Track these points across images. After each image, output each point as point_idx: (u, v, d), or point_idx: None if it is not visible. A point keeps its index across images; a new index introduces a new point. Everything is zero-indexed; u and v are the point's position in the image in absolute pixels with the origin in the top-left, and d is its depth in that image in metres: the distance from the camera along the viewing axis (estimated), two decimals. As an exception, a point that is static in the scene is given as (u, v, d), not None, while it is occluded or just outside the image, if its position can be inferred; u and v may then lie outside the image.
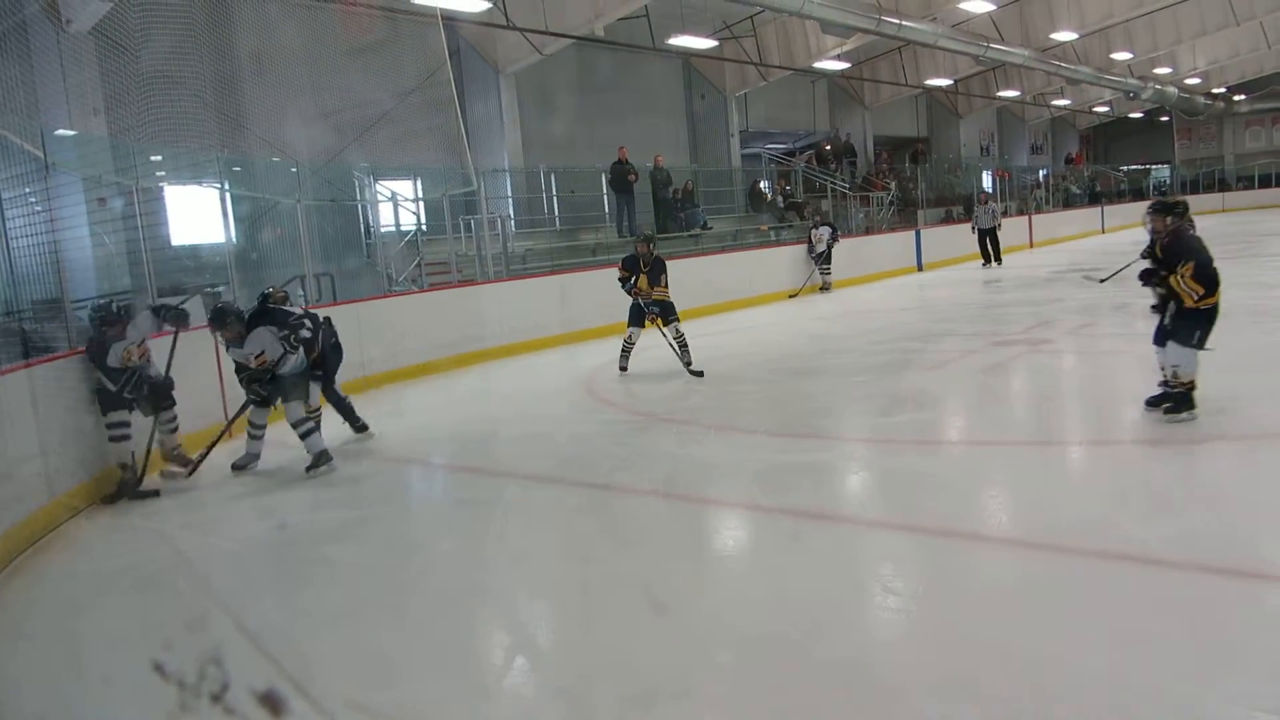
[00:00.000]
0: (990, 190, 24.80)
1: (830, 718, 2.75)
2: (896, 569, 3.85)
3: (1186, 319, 5.47)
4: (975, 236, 18.64)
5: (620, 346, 8.82)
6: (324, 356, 6.69)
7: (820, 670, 3.00)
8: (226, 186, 9.40)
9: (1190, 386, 5.51)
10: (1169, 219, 5.71)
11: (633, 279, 8.61)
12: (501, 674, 3.26)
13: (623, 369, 8.77)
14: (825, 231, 15.36)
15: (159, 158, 9.31)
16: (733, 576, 3.94)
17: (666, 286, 8.62)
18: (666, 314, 8.53)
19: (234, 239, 9.36)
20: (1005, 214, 23.65)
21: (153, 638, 3.65)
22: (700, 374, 8.27)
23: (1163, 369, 5.68)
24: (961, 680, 2.87)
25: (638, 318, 8.66)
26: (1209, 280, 5.38)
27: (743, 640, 3.27)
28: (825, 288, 15.37)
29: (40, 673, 3.55)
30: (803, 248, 15.63)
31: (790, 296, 14.73)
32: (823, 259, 15.36)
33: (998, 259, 18.33)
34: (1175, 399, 5.56)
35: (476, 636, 3.58)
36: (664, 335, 8.51)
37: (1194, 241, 5.63)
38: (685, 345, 8.51)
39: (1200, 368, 5.45)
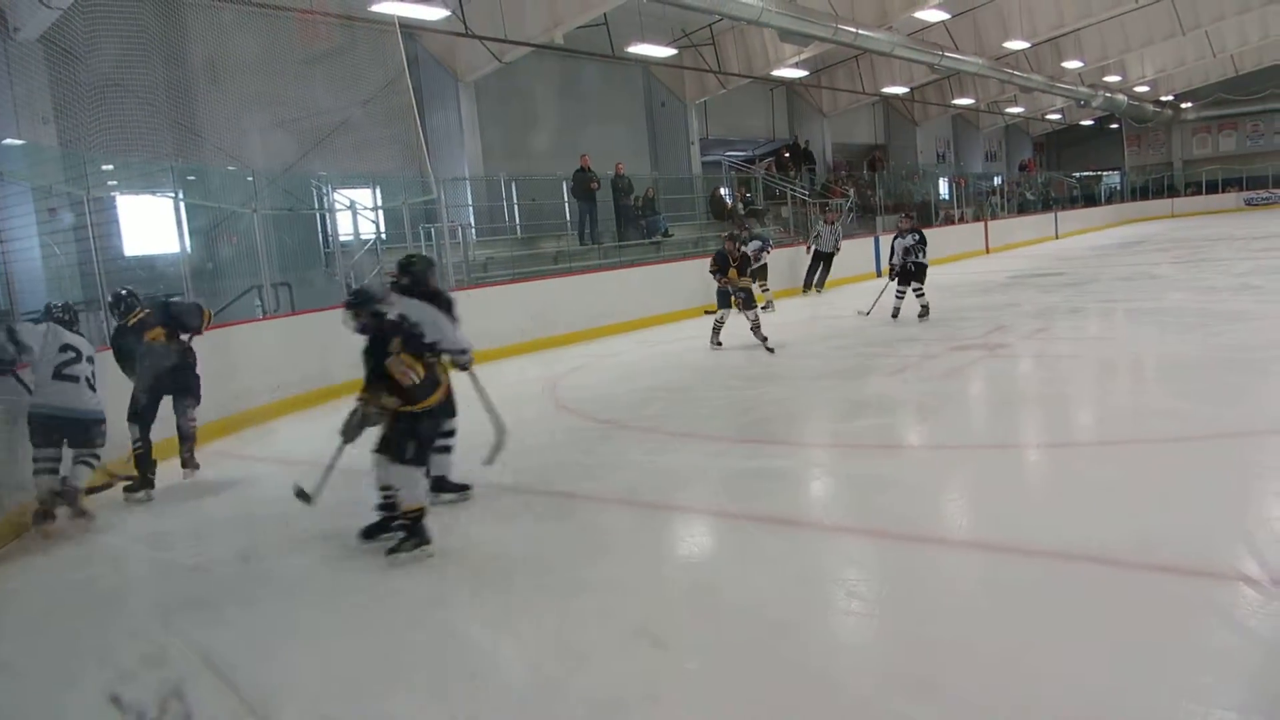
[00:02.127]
0: (845, 203, 20.93)
1: (798, 723, 2.76)
2: (860, 573, 3.88)
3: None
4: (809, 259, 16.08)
5: (711, 325, 10.50)
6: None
7: (787, 675, 3.01)
8: (181, 196, 9.25)
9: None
10: None
11: (724, 271, 10.15)
12: (467, 685, 3.22)
13: (717, 344, 10.31)
14: (754, 245, 13.40)
15: (111, 167, 9.15)
16: (698, 583, 3.93)
17: (751, 277, 10.52)
18: (748, 300, 10.07)
19: (189, 249, 9.21)
20: (963, 219, 24.00)
21: (106, 666, 3.55)
22: (773, 350, 9.70)
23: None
24: (927, 682, 2.89)
25: (725, 300, 10.28)
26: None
27: (709, 646, 3.27)
28: (764, 306, 13.09)
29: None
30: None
31: (706, 313, 12.16)
32: (758, 275, 13.11)
33: (819, 286, 15.93)
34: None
35: (440, 649, 3.54)
36: (745, 317, 10.00)
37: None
38: (759, 327, 9.93)
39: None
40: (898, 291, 11.41)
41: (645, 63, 18.76)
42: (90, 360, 5.52)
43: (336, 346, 9.02)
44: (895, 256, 11.29)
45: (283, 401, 8.31)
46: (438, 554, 4.49)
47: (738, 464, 5.70)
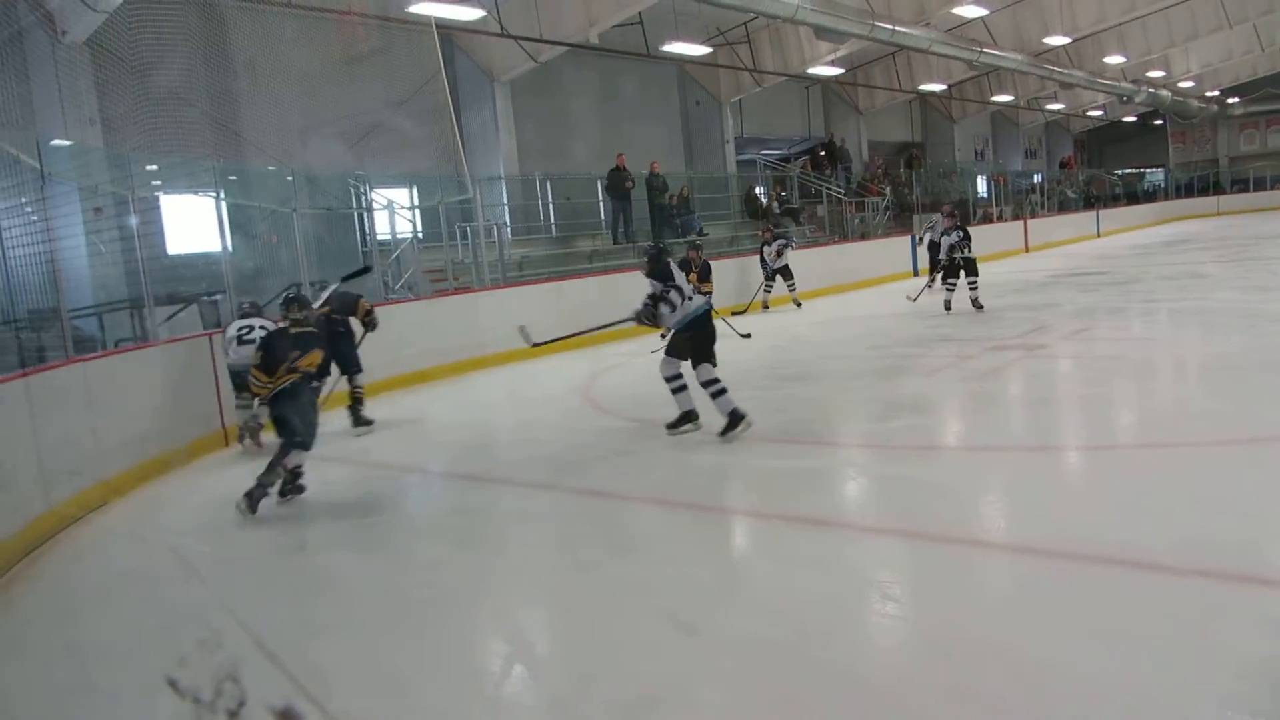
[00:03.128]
0: (883, 201, 20.77)
1: (829, 724, 2.75)
2: (894, 574, 3.85)
3: None
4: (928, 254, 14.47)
5: None
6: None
7: (820, 677, 3.00)
8: (222, 195, 9.40)
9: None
10: None
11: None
12: (498, 682, 3.25)
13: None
14: (778, 245, 13.87)
15: (155, 167, 9.32)
16: (731, 583, 3.93)
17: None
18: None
19: (230, 248, 9.35)
20: (1001, 218, 23.69)
21: (162, 649, 3.63)
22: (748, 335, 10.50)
23: None
24: (961, 687, 2.87)
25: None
26: None
27: (742, 646, 3.26)
28: (795, 305, 14.15)
29: (45, 685, 3.54)
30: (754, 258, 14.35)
31: (733, 314, 12.56)
32: (783, 274, 14.00)
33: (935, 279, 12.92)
34: None
35: (475, 645, 3.57)
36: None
37: None
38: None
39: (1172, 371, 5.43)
40: (946, 285, 11.83)
41: (680, 61, 18.75)
42: (264, 329, 6.80)
43: (371, 345, 9.17)
44: (941, 253, 11.88)
45: (322, 397, 8.41)
46: (469, 552, 4.54)
47: (771, 464, 5.69)
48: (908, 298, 12.95)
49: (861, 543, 4.27)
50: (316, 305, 7.06)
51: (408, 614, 3.81)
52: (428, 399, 8.87)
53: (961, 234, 11.77)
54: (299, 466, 5.52)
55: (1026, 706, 2.72)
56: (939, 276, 12.10)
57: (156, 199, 9.93)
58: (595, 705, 2.96)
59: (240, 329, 7.11)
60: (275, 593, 4.23)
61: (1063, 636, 3.10)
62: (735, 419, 6.06)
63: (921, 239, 16.62)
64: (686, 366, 6.26)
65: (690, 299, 6.25)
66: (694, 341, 6.23)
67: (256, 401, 6.23)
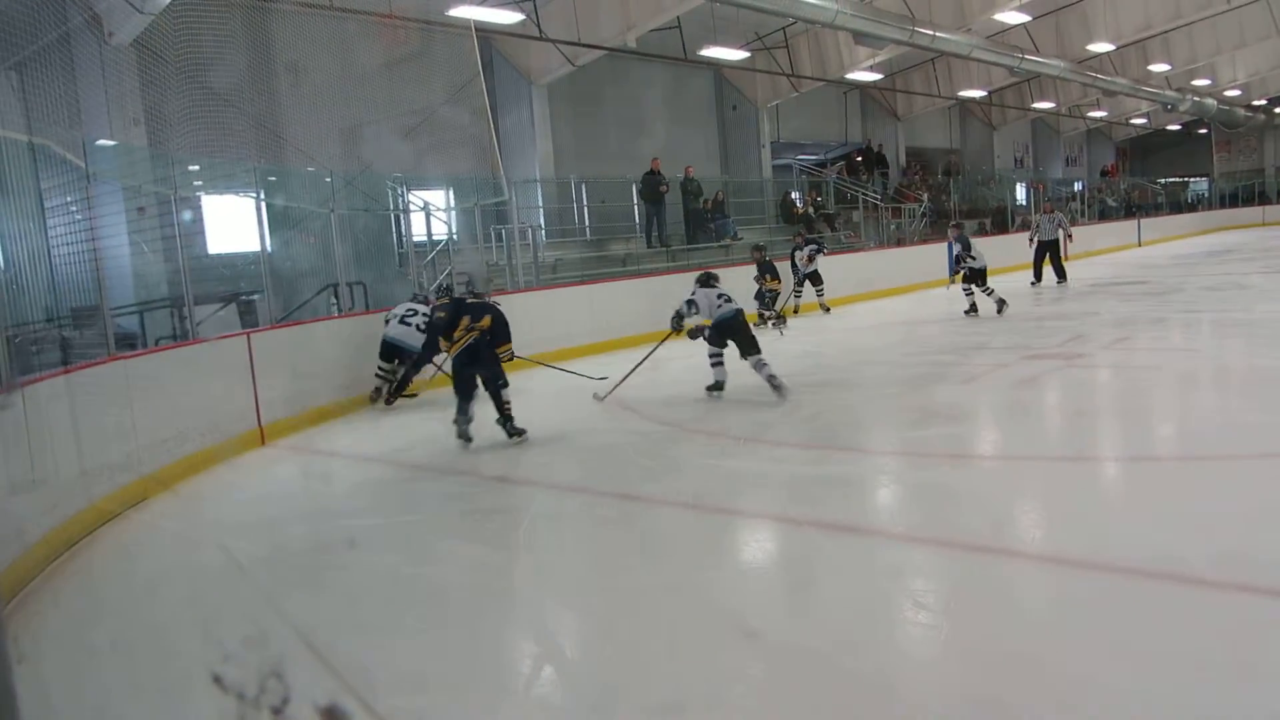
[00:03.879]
0: (1057, 197, 23.82)
1: (860, 734, 2.72)
2: (927, 584, 3.81)
3: None
4: (1032, 250, 16.36)
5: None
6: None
7: (850, 685, 2.97)
8: (262, 196, 9.53)
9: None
10: None
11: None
12: (527, 684, 3.25)
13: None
14: (809, 250, 13.89)
15: (196, 167, 9.47)
16: (761, 588, 3.91)
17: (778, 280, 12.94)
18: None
19: (269, 247, 9.47)
20: (1004, 229, 23.40)
21: (208, 645, 3.67)
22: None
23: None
24: (994, 699, 2.82)
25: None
26: None
27: (772, 652, 3.24)
28: (823, 309, 14.15)
29: (85, 681, 3.59)
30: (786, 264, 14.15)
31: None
32: (812, 280, 14.08)
33: (1060, 275, 16.13)
34: None
35: (505, 646, 3.58)
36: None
37: None
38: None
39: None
40: (965, 290, 12.49)
41: (717, 66, 18.73)
42: (425, 315, 8.44)
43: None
44: (957, 262, 12.75)
45: (354, 399, 8.50)
46: (500, 553, 4.55)
47: (803, 470, 5.65)
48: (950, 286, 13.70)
49: (894, 550, 4.22)
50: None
51: (444, 614, 3.83)
52: (439, 408, 8.90)
53: (962, 245, 12.54)
54: (509, 406, 6.87)
55: (1062, 721, 2.67)
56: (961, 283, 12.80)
57: (198, 199, 10.08)
58: (625, 709, 2.95)
59: (406, 310, 8.66)
60: (317, 590, 4.26)
61: (1099, 650, 3.04)
62: (773, 384, 7.59)
63: (1031, 239, 16.66)
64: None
65: (720, 308, 7.91)
66: (724, 334, 7.86)
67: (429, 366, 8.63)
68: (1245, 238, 27.42)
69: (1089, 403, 7.31)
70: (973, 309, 12.29)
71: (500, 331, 6.95)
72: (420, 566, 4.45)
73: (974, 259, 12.39)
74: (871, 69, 19.92)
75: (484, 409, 6.99)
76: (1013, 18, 18.51)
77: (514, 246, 12.21)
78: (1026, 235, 16.97)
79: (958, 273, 12.77)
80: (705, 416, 7.47)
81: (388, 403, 8.58)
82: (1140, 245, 26.12)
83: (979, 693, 2.87)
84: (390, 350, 8.56)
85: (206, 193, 10.32)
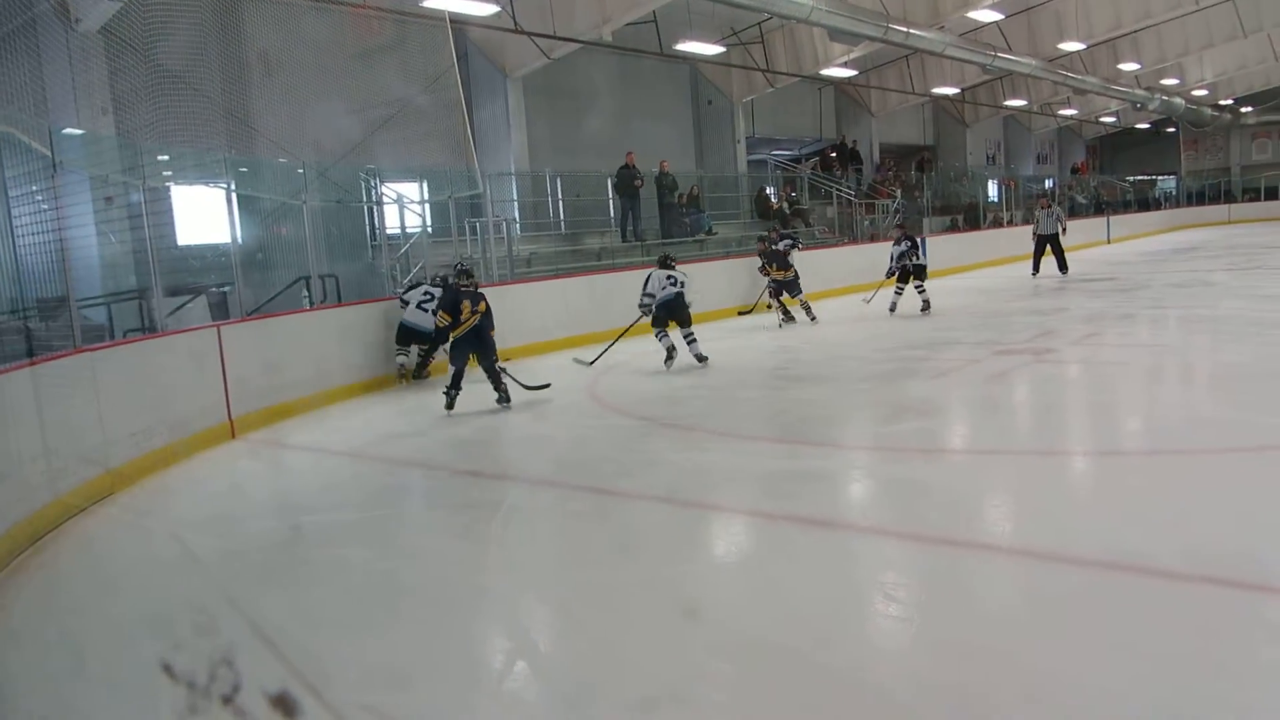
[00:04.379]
0: (1049, 192, 24.50)
1: (831, 726, 2.74)
2: (899, 577, 3.84)
3: None
4: (1034, 243, 17.17)
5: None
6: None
7: (822, 678, 2.99)
8: (233, 186, 9.42)
9: None
10: None
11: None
12: (500, 679, 3.25)
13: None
14: (785, 244, 13.15)
15: (166, 157, 9.34)
16: (735, 583, 3.93)
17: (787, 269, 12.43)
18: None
19: (240, 239, 9.37)
20: (1010, 222, 23.68)
21: (159, 636, 3.64)
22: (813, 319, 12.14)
23: None
24: (965, 692, 2.86)
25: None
26: None
27: (745, 647, 3.26)
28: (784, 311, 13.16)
29: (43, 673, 3.55)
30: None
31: (740, 314, 13.70)
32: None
33: (1063, 267, 16.86)
34: None
35: (478, 641, 3.57)
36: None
37: None
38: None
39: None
40: (896, 289, 12.70)
41: (693, 60, 18.73)
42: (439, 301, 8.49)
43: (381, 338, 9.19)
44: (893, 261, 12.72)
45: (326, 392, 8.43)
46: (474, 548, 4.54)
47: (776, 464, 5.68)
48: (864, 300, 13.58)
49: (866, 544, 4.26)
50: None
51: (412, 608, 3.81)
52: (434, 393, 8.87)
53: (909, 243, 12.61)
54: (501, 376, 7.73)
55: (1031, 712, 2.71)
56: (895, 281, 12.83)
57: (167, 189, 9.95)
58: (599, 704, 2.95)
59: (424, 294, 9.11)
60: (278, 583, 4.23)
61: (1068, 642, 3.09)
62: (698, 358, 9.02)
63: (1034, 234, 17.29)
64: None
65: (664, 289, 9.46)
66: (666, 312, 9.37)
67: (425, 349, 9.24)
68: (1211, 235, 27.84)
69: (1058, 398, 7.40)
70: (894, 308, 12.43)
71: (490, 317, 7.84)
72: (391, 561, 4.43)
73: (918, 258, 12.53)
74: (846, 65, 20.00)
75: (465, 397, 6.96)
76: (986, 16, 18.66)
77: (488, 240, 12.16)
78: (999, 231, 17.96)
79: (892, 274, 12.68)
80: (679, 411, 7.49)
81: (416, 377, 9.31)
82: (1109, 242, 26.44)
83: (948, 685, 2.89)
84: (408, 334, 9.16)
85: (176, 183, 10.18)
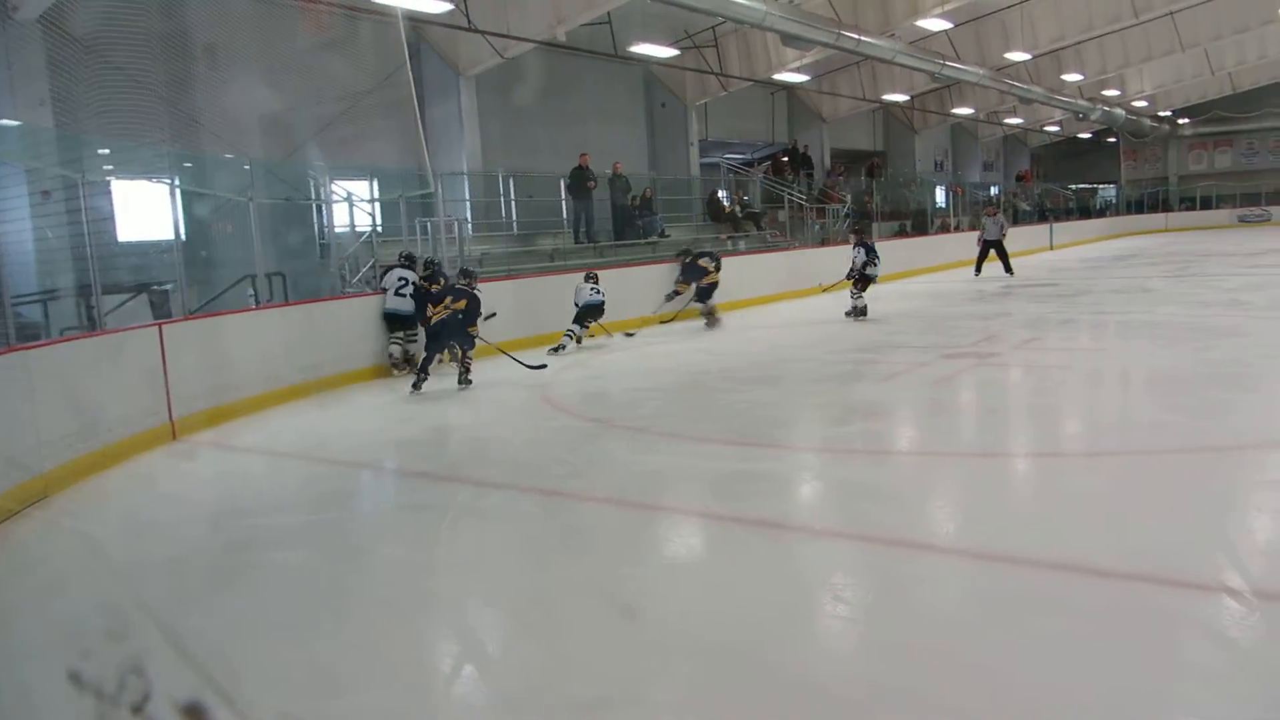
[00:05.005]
0: (996, 199, 25.40)
1: (779, 726, 2.76)
2: (847, 578, 3.88)
3: None
4: (979, 247, 18.40)
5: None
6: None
7: (771, 679, 3.01)
8: (176, 182, 9.22)
9: None
10: None
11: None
12: (450, 682, 3.22)
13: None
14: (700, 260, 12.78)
15: (107, 151, 9.11)
16: (684, 584, 3.94)
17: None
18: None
19: (183, 236, 9.17)
20: (957, 228, 24.11)
21: (70, 646, 3.53)
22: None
23: None
24: (910, 691, 2.90)
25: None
26: None
27: (695, 648, 3.27)
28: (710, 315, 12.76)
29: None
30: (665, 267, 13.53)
31: (661, 322, 12.79)
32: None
33: (1008, 269, 17.85)
34: None
35: (424, 645, 3.53)
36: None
37: None
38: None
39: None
40: (853, 292, 12.39)
41: (647, 62, 18.75)
42: (415, 285, 9.37)
43: (328, 338, 9.06)
44: (854, 268, 12.41)
45: (273, 392, 8.28)
46: (422, 550, 4.49)
47: (727, 466, 5.71)
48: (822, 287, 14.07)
49: (815, 546, 4.30)
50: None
51: (357, 612, 3.76)
52: (383, 395, 8.78)
53: (864, 249, 12.37)
54: (470, 363, 8.73)
55: (975, 710, 2.75)
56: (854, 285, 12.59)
57: (108, 184, 9.71)
58: (548, 706, 2.94)
59: (399, 280, 9.52)
60: (217, 589, 4.14)
61: (1011, 641, 3.15)
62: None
63: (979, 239, 18.66)
64: None
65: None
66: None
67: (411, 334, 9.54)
68: (1149, 243, 28.59)
69: (1001, 401, 7.54)
70: (862, 312, 12.16)
71: (472, 313, 8.65)
72: (336, 565, 4.36)
73: (874, 266, 12.29)
74: (798, 70, 20.19)
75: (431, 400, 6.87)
76: (935, 25, 18.97)
77: (440, 240, 12.05)
78: (949, 236, 18.98)
79: (850, 278, 12.42)
80: (629, 412, 7.49)
81: (399, 367, 9.61)
82: (1052, 248, 27.01)
83: (895, 685, 2.93)
84: (394, 320, 9.56)
85: (117, 178, 9.94)
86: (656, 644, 3.32)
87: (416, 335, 9.53)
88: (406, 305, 9.44)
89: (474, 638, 3.58)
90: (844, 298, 12.52)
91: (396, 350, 9.56)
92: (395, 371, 9.51)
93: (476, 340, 8.80)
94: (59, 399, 5.94)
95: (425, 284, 9.31)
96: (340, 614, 3.75)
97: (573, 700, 2.95)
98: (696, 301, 12.60)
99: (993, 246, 18.21)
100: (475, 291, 8.85)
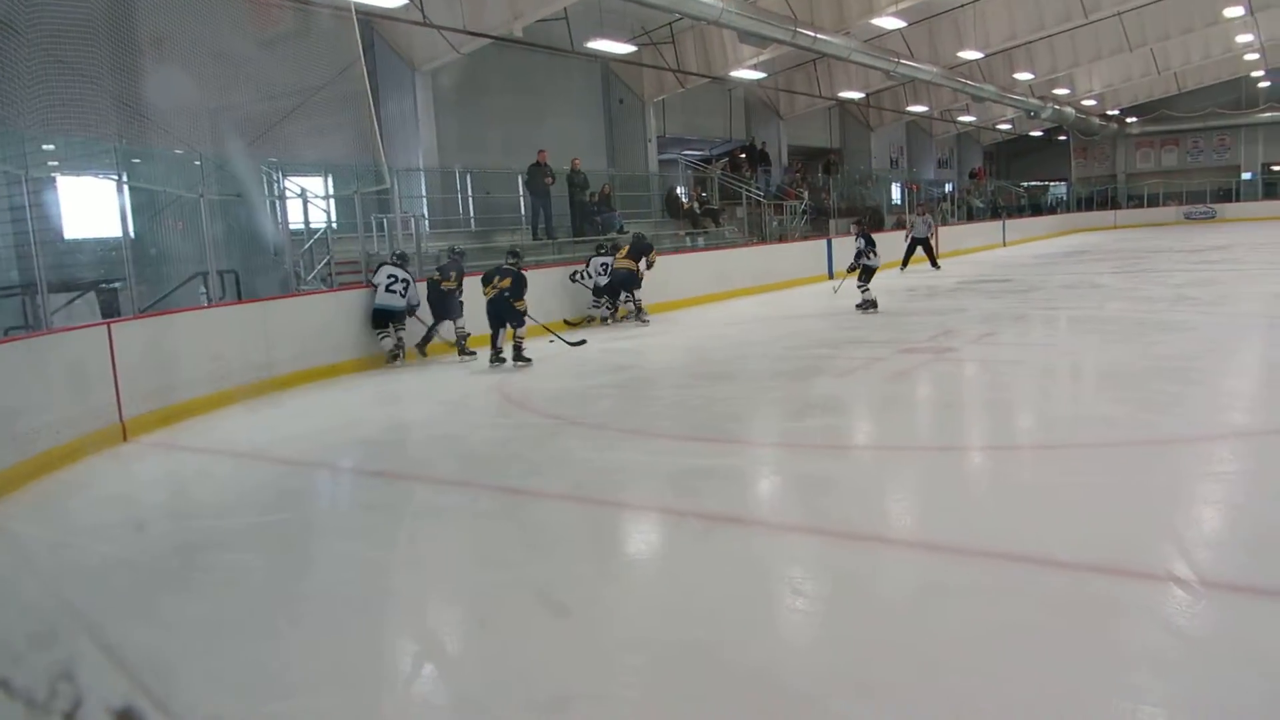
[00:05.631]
0: (930, 201, 26.39)
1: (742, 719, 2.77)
2: (805, 571, 3.91)
3: None
4: (906, 244, 19.71)
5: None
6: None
7: (731, 673, 3.02)
8: (124, 178, 9.01)
9: None
10: None
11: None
12: (408, 683, 3.19)
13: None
14: (599, 261, 12.73)
15: (51, 146, 8.88)
16: (644, 580, 3.94)
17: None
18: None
19: (132, 233, 8.97)
20: (879, 229, 24.42)
21: (3, 653, 3.44)
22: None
23: None
24: (867, 682, 2.92)
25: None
26: None
27: (655, 643, 3.27)
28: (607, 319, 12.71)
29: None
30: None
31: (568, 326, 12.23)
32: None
33: (934, 264, 19.41)
34: None
35: (380, 645, 3.49)
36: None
37: None
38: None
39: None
40: (860, 285, 12.55)
41: (604, 59, 18.71)
42: (405, 282, 9.86)
43: (281, 336, 8.92)
44: (856, 258, 12.66)
45: (225, 392, 8.15)
46: (379, 550, 4.44)
47: (686, 462, 5.72)
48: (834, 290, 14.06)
49: (774, 540, 4.32)
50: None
51: (311, 614, 3.71)
52: (339, 393, 8.67)
53: (865, 241, 12.59)
54: (521, 341, 9.39)
55: (932, 701, 2.79)
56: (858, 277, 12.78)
57: (53, 180, 9.47)
58: (510, 705, 2.92)
59: (388, 278, 9.81)
60: (151, 592, 4.04)
61: (967, 632, 3.19)
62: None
63: (907, 235, 20.01)
64: None
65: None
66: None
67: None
68: (1099, 239, 29.18)
69: (957, 395, 7.65)
70: (872, 304, 12.26)
71: (516, 290, 9.32)
72: (291, 566, 4.30)
73: (873, 258, 12.49)
74: (755, 68, 20.27)
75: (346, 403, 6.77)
76: (889, 23, 19.15)
77: (396, 236, 11.93)
78: (903, 232, 19.98)
79: (855, 269, 12.65)
80: (589, 409, 7.48)
81: (422, 353, 10.30)
82: (1005, 245, 27.47)
83: (853, 676, 2.96)
84: (382, 316, 9.85)
85: (63, 173, 9.70)
86: (617, 640, 3.32)
87: (404, 327, 10.03)
88: (396, 301, 9.81)
89: (432, 637, 3.55)
90: (830, 298, 12.64)
91: (389, 343, 9.90)
92: (394, 363, 9.88)
93: (525, 318, 9.43)
94: (4, 400, 5.79)
95: (438, 277, 10.18)
96: (291, 616, 3.69)
97: (532, 699, 2.94)
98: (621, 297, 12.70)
99: (920, 244, 19.55)
100: (520, 270, 9.53)
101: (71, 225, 10.14)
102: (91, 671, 3.26)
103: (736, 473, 5.53)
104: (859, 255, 12.52)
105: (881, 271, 12.98)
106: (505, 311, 9.32)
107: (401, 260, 10.24)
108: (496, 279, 9.35)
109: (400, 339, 9.98)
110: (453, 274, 10.21)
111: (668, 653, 3.19)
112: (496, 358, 9.36)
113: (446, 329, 10.40)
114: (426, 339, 10.35)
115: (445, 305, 10.21)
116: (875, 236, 12.98)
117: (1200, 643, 3.06)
